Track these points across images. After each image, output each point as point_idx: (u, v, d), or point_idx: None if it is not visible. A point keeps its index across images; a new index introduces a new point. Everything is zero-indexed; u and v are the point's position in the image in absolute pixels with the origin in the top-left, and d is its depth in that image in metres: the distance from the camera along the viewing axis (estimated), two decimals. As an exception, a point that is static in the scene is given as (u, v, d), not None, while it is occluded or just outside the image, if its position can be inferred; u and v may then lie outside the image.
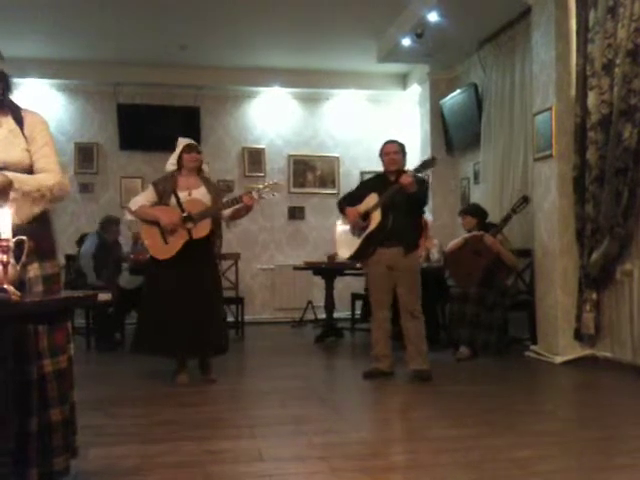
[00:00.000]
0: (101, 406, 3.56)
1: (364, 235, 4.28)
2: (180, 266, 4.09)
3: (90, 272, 5.98)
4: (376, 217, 4.22)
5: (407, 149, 4.48)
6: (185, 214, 4.12)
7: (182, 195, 4.19)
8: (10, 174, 2.09)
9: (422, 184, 4.31)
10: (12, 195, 2.07)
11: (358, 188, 4.66)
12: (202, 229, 4.13)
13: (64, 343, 2.18)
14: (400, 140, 4.56)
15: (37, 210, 2.14)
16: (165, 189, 4.21)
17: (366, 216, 4.28)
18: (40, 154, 2.19)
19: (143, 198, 4.27)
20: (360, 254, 4.36)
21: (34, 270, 2.11)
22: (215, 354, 4.32)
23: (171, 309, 4.08)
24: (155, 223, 4.14)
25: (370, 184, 4.53)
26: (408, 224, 4.24)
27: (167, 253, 4.13)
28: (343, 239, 4.46)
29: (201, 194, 4.22)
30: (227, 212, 4.25)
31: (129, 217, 4.35)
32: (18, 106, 2.24)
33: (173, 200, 4.18)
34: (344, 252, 4.46)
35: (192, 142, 4.37)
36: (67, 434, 2.17)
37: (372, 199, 4.26)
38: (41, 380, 2.09)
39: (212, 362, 4.35)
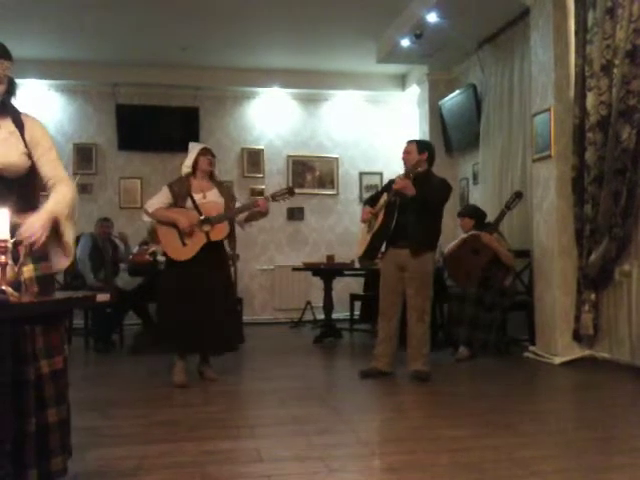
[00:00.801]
0: (100, 407, 3.56)
1: (371, 234, 4.35)
2: (195, 267, 4.14)
3: (88, 273, 5.97)
4: (380, 218, 4.28)
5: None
6: (203, 217, 4.18)
7: (197, 197, 4.24)
8: (50, 207, 2.12)
9: (441, 186, 4.26)
10: (62, 228, 2.15)
11: (383, 187, 4.71)
12: (220, 232, 4.20)
13: (59, 344, 2.18)
14: (398, 140, 4.64)
15: (75, 227, 2.23)
16: (180, 191, 4.25)
17: (377, 216, 4.35)
18: (46, 159, 2.21)
19: (158, 200, 4.28)
20: (369, 252, 4.42)
21: (29, 271, 2.11)
22: (227, 351, 4.36)
23: (186, 309, 4.10)
24: (173, 225, 4.18)
25: (391, 183, 4.52)
26: (417, 225, 4.18)
27: (185, 255, 4.16)
28: (360, 237, 4.57)
29: (215, 197, 4.29)
30: (242, 215, 4.34)
31: (146, 219, 4.39)
32: (18, 110, 2.25)
33: (189, 203, 4.23)
34: (358, 250, 4.57)
35: (207, 146, 4.46)
36: (64, 435, 2.17)
37: (383, 199, 4.32)
38: (38, 381, 2.09)
39: (211, 361, 4.37)
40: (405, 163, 4.35)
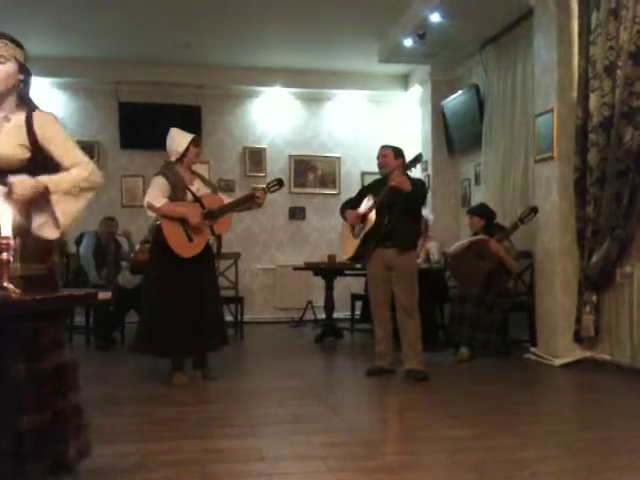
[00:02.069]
0: (101, 404, 3.56)
1: (361, 236, 4.40)
2: (196, 264, 4.07)
3: (91, 271, 5.98)
4: (371, 218, 4.35)
5: (408, 150, 4.57)
6: (206, 210, 4.10)
7: (193, 189, 4.13)
8: (45, 178, 2.11)
9: (420, 186, 4.42)
10: (54, 198, 2.12)
11: (359, 192, 4.81)
12: (224, 225, 4.19)
13: (48, 348, 2.09)
14: (400, 140, 4.70)
15: (83, 204, 2.23)
16: (177, 182, 4.09)
17: (364, 218, 4.40)
18: (63, 150, 2.22)
19: (159, 192, 4.05)
20: (359, 255, 4.48)
21: (16, 270, 2.08)
22: (223, 345, 4.33)
23: (189, 310, 4.04)
24: (178, 220, 4.02)
25: (369, 187, 4.68)
26: (404, 224, 4.30)
27: (192, 251, 4.04)
28: (345, 241, 4.62)
29: (204, 188, 4.21)
30: None
31: (150, 213, 4.13)
32: (34, 106, 2.26)
33: (189, 195, 4.11)
34: (345, 253, 4.61)
35: (197, 136, 4.31)
36: (42, 442, 2.07)
37: (369, 201, 4.40)
38: (15, 384, 1.99)
39: (212, 360, 4.37)
40: (381, 166, 4.45)
